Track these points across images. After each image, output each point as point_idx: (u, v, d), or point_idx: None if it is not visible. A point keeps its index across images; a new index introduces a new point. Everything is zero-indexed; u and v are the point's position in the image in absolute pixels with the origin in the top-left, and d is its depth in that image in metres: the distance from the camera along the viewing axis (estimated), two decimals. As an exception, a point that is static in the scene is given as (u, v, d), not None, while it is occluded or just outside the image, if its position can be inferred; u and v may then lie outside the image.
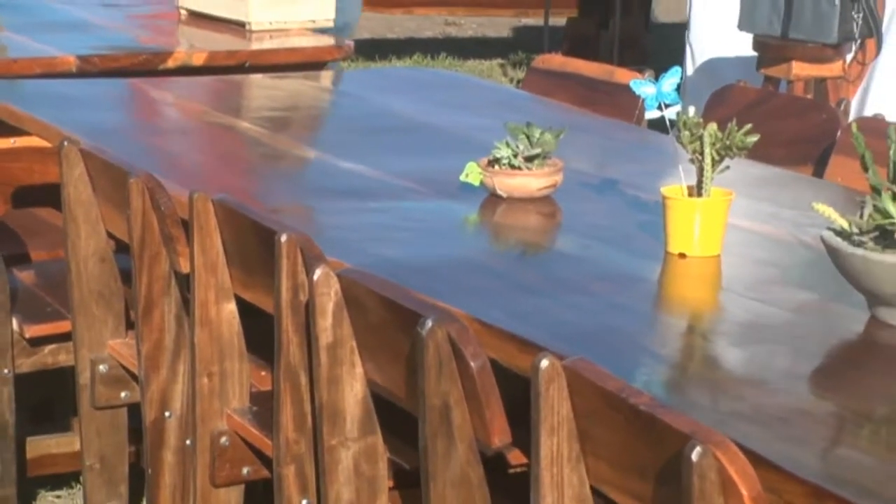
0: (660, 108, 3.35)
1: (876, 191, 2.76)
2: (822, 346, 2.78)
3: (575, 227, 3.49)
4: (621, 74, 4.86)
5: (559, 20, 12.32)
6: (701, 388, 2.65)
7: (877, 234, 2.74)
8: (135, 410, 3.66)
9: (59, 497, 4.42)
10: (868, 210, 2.76)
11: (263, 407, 3.24)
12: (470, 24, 13.62)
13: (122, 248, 3.61)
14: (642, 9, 11.70)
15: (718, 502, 2.08)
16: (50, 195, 3.94)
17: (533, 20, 12.78)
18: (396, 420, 2.83)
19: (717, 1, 8.12)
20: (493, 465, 2.68)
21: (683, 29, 8.66)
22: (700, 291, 3.16)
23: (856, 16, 6.97)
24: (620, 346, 2.77)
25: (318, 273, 2.84)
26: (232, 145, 4.35)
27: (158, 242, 3.39)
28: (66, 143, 3.70)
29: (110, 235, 3.67)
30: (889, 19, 7.23)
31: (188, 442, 3.41)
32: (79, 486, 3.98)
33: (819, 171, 4.13)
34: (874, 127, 3.26)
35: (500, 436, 2.55)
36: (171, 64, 5.39)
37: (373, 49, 11.49)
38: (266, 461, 3.21)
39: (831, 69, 7.14)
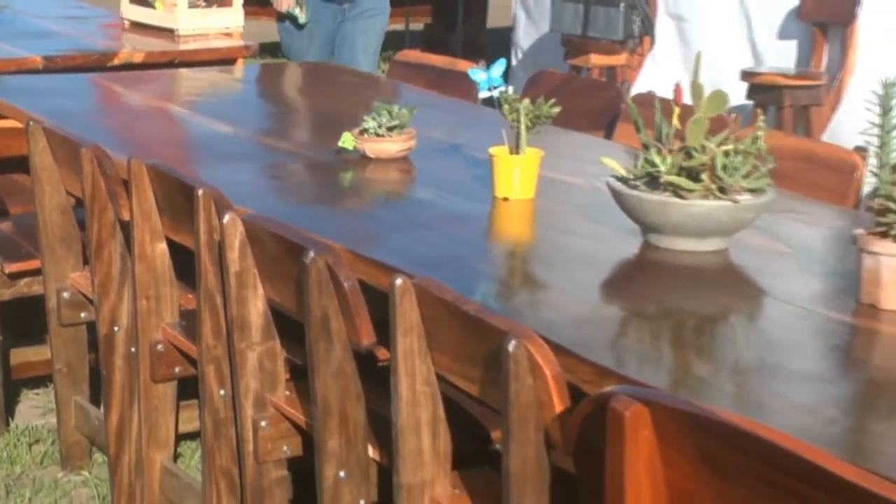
0: (489, 89, 3.35)
1: (646, 147, 2.79)
2: (603, 263, 2.80)
3: (426, 180, 3.49)
4: (462, 65, 4.85)
5: (418, 26, 12.33)
6: (520, 297, 2.67)
7: (647, 179, 2.77)
8: (92, 327, 3.63)
9: (37, 394, 4.38)
10: (640, 162, 2.78)
11: (189, 321, 3.22)
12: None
13: (78, 203, 3.57)
14: (480, 16, 11.77)
15: (529, 381, 2.10)
16: (23, 164, 3.88)
17: (398, 26, 12.75)
18: (290, 328, 2.82)
19: (534, 10, 8.17)
20: (365, 360, 2.68)
21: (510, 31, 8.69)
22: (519, 226, 3.17)
23: (636, 19, 7.08)
24: (460, 268, 2.77)
25: (227, 218, 2.82)
26: (164, 122, 4.31)
27: (105, 198, 3.35)
28: (32, 123, 3.66)
29: (69, 193, 3.63)
30: (660, 21, 7.31)
31: (133, 349, 3.39)
32: (51, 385, 3.94)
33: (608, 135, 4.15)
34: (646, 101, 3.27)
35: (367, 338, 2.55)
36: (116, 62, 5.35)
37: (275, 49, 11.35)
38: (192, 362, 3.19)
39: (618, 59, 7.22)
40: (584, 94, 4.49)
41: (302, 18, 5.82)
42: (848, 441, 1.92)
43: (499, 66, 3.39)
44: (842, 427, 1.97)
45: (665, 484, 1.78)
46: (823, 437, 1.88)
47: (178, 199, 3.08)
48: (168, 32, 5.89)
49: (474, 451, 2.54)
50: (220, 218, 2.84)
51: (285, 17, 5.89)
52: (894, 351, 2.30)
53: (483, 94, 3.36)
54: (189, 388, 3.32)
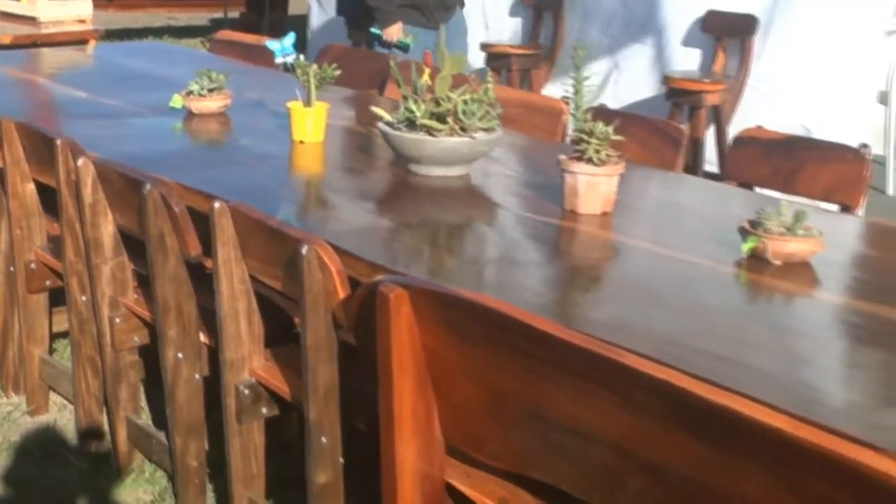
0: (283, 56, 3.31)
1: (405, 99, 2.79)
2: (377, 187, 2.81)
3: (239, 129, 3.42)
4: (265, 40, 4.78)
5: (235, 14, 12.12)
6: (313, 215, 2.66)
7: (407, 122, 2.78)
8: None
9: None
10: (402, 110, 2.79)
11: (55, 244, 3.11)
12: (183, 18, 13.17)
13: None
14: (282, 5, 11.65)
15: (318, 276, 2.10)
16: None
17: (219, 14, 12.50)
18: (135, 245, 2.76)
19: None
20: (195, 268, 2.64)
21: (306, 16, 8.58)
22: (313, 162, 3.14)
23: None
24: (267, 194, 2.73)
25: (81, 162, 2.74)
26: (31, 91, 4.14)
27: (-18, 150, 3.23)
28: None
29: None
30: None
31: (11, 268, 3.26)
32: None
33: (380, 92, 4.14)
34: (406, 65, 3.27)
35: (194, 249, 2.52)
36: (-11, 44, 5.18)
37: (122, 34, 11.02)
38: (59, 276, 3.09)
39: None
40: (361, 62, 4.46)
41: (410, 45, 5.42)
42: (555, 309, 1.97)
43: (289, 38, 3.35)
44: (550, 298, 2.03)
45: (422, 347, 1.80)
46: (538, 306, 1.94)
47: (42, 148, 2.97)
48: (31, 20, 5.70)
49: (281, 333, 2.53)
50: (76, 161, 2.75)
51: (391, 46, 5.46)
52: (588, 243, 2.36)
53: (279, 60, 3.32)
54: (58, 297, 3.23)
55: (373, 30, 5.63)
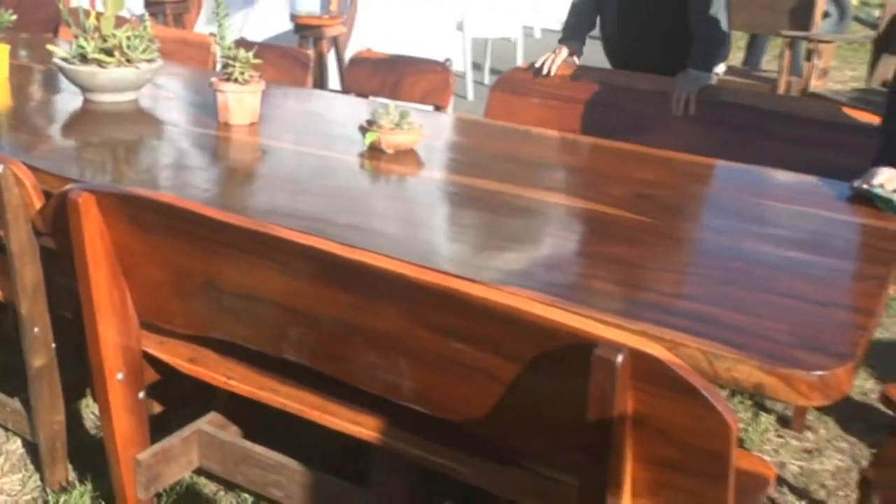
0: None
1: (76, 37, 2.55)
2: (63, 114, 2.55)
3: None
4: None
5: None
6: (5, 140, 2.36)
7: (80, 57, 2.55)
8: None
9: None
10: (74, 47, 2.55)
11: None
12: None
13: None
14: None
15: (16, 191, 1.89)
16: None
17: None
18: None
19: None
20: None
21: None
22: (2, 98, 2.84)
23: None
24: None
25: None
26: None
27: None
28: None
29: None
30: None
31: None
32: None
33: (55, 34, 3.78)
34: (75, 12, 2.98)
35: None
36: None
37: None
38: None
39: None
40: (35, 10, 4.04)
41: None
42: (219, 201, 1.89)
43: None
44: (215, 193, 1.94)
45: (111, 241, 1.69)
46: (205, 199, 1.85)
47: None
48: None
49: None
50: None
51: None
52: (241, 148, 2.27)
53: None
54: None
55: None
